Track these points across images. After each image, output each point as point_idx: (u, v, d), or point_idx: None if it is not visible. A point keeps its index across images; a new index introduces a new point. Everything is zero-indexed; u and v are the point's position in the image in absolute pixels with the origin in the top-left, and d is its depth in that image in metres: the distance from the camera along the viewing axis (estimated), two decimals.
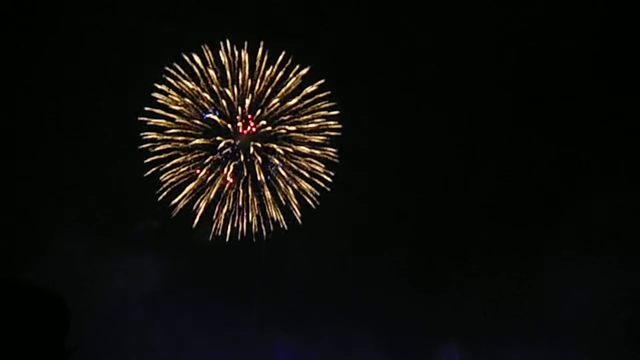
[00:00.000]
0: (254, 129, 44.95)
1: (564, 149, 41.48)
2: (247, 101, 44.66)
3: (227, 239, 44.44)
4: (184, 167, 43.24)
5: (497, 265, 42.19)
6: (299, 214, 44.80)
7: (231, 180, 43.92)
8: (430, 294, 42.21)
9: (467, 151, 44.40)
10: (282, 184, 44.94)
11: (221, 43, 43.48)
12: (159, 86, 42.65)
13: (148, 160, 42.68)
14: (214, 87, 44.12)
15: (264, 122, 44.89)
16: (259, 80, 44.81)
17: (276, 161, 44.38)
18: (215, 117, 44.00)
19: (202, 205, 43.88)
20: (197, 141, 43.36)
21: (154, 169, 42.89)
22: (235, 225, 44.75)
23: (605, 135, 40.39)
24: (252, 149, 44.57)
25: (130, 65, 42.05)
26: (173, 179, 43.17)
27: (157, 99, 42.78)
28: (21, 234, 40.49)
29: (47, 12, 40.55)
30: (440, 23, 41.73)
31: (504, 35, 40.65)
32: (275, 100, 44.79)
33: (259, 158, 44.56)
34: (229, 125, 44.31)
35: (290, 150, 44.84)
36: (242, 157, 44.33)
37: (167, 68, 42.42)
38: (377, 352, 43.76)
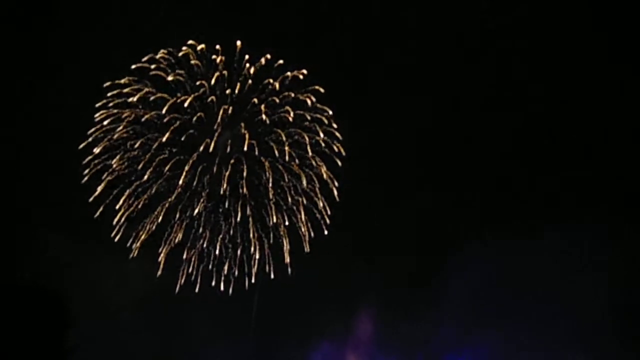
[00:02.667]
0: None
1: None
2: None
3: (197, 290, 35.71)
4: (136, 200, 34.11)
5: None
6: (287, 259, 35.74)
7: None
8: None
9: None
10: (273, 219, 35.50)
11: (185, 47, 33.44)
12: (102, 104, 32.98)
13: (92, 198, 33.52)
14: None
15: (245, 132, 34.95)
16: (238, 84, 34.91)
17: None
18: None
19: (164, 251, 34.88)
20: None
21: (102, 208, 33.76)
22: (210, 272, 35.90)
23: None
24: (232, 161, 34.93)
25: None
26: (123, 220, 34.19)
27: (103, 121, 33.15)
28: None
29: None
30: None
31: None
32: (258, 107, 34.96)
33: (245, 188, 34.89)
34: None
35: (286, 179, 35.18)
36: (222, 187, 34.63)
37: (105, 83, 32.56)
38: None
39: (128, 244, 34.77)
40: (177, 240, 34.94)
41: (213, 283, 35.72)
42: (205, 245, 35.53)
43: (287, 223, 35.48)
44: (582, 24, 36.04)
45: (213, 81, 34.33)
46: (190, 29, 34.53)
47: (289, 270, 35.53)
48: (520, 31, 36.58)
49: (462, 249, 36.54)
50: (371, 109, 37.23)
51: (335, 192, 35.12)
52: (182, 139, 34.36)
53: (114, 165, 33.81)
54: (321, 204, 35.12)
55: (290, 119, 34.95)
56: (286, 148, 35.09)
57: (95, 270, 35.33)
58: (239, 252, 35.56)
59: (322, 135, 34.90)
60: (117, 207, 33.61)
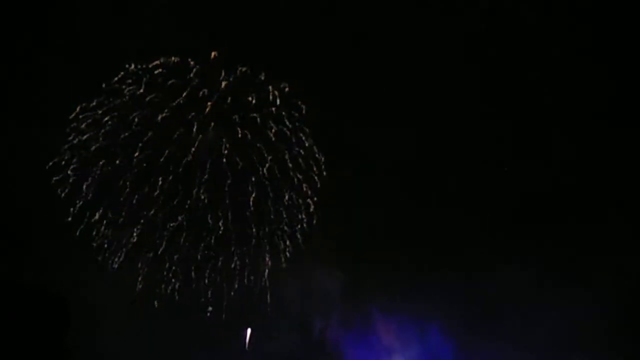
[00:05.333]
0: None
1: None
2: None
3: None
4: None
5: None
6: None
7: None
8: None
9: None
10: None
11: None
12: None
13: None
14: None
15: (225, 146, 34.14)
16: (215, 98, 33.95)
17: None
18: None
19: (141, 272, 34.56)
20: None
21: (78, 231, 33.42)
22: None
23: None
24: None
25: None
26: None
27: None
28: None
29: None
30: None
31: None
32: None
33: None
34: None
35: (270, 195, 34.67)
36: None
37: None
38: None
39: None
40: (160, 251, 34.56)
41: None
42: (184, 256, 35.21)
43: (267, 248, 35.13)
44: None
45: (186, 95, 33.35)
46: (165, 40, 33.39)
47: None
48: None
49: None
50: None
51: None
52: (162, 156, 33.56)
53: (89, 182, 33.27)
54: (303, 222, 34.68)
55: (272, 135, 34.08)
56: (268, 158, 34.34)
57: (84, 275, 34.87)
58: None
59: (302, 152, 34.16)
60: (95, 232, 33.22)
